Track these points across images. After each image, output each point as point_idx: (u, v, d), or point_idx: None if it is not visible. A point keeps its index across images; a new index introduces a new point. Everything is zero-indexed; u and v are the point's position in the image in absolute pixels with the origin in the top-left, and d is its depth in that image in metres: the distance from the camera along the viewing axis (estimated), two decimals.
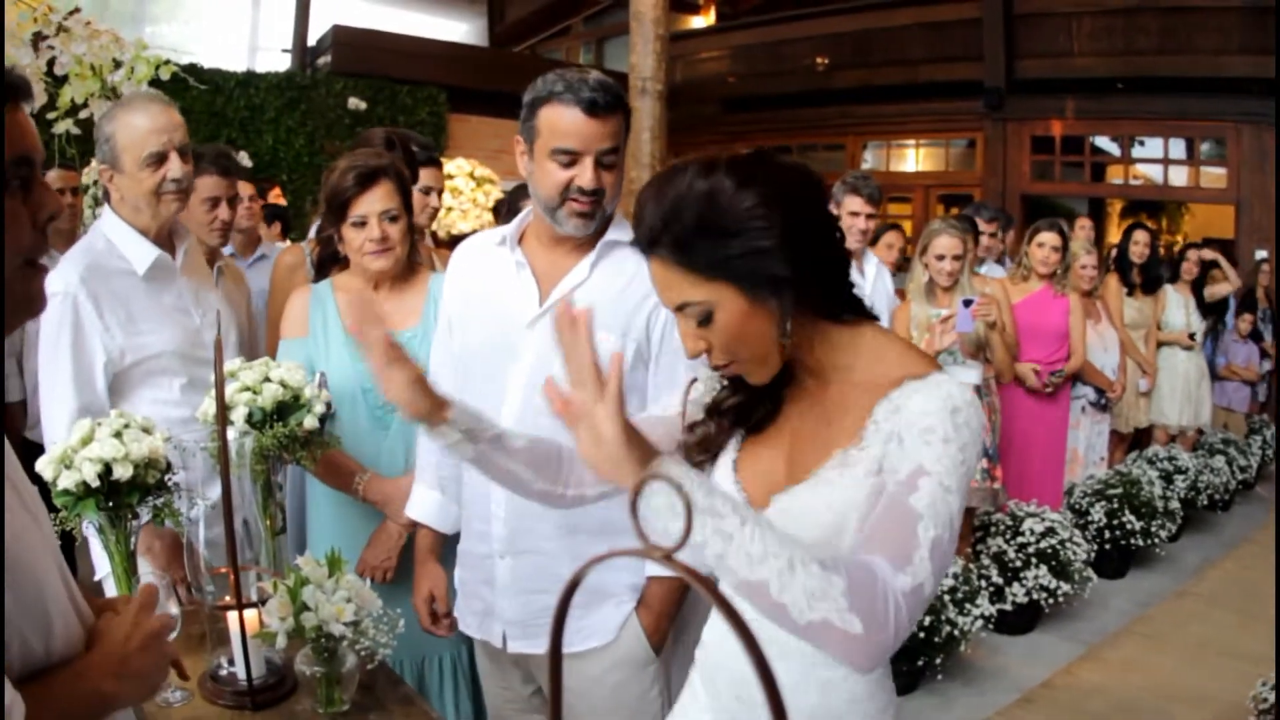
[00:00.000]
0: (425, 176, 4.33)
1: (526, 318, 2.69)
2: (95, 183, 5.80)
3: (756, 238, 1.70)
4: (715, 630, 2.10)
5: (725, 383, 1.98)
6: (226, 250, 4.53)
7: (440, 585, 3.00)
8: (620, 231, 2.70)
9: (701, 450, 2.01)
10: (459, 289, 2.92)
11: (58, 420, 3.09)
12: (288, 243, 7.01)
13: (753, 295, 1.74)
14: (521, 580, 2.75)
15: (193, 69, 5.46)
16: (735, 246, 1.70)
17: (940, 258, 5.70)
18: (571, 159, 2.56)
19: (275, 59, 14.74)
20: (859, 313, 1.89)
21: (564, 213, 2.61)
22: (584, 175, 2.57)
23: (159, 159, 3.22)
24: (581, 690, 2.77)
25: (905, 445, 1.72)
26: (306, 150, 12.67)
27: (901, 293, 6.28)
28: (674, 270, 1.75)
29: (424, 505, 3.03)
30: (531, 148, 2.62)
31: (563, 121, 2.55)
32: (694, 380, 2.09)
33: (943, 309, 5.65)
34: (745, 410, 1.95)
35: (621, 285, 2.66)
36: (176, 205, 3.33)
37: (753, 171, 1.73)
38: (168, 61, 4.43)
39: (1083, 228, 9.81)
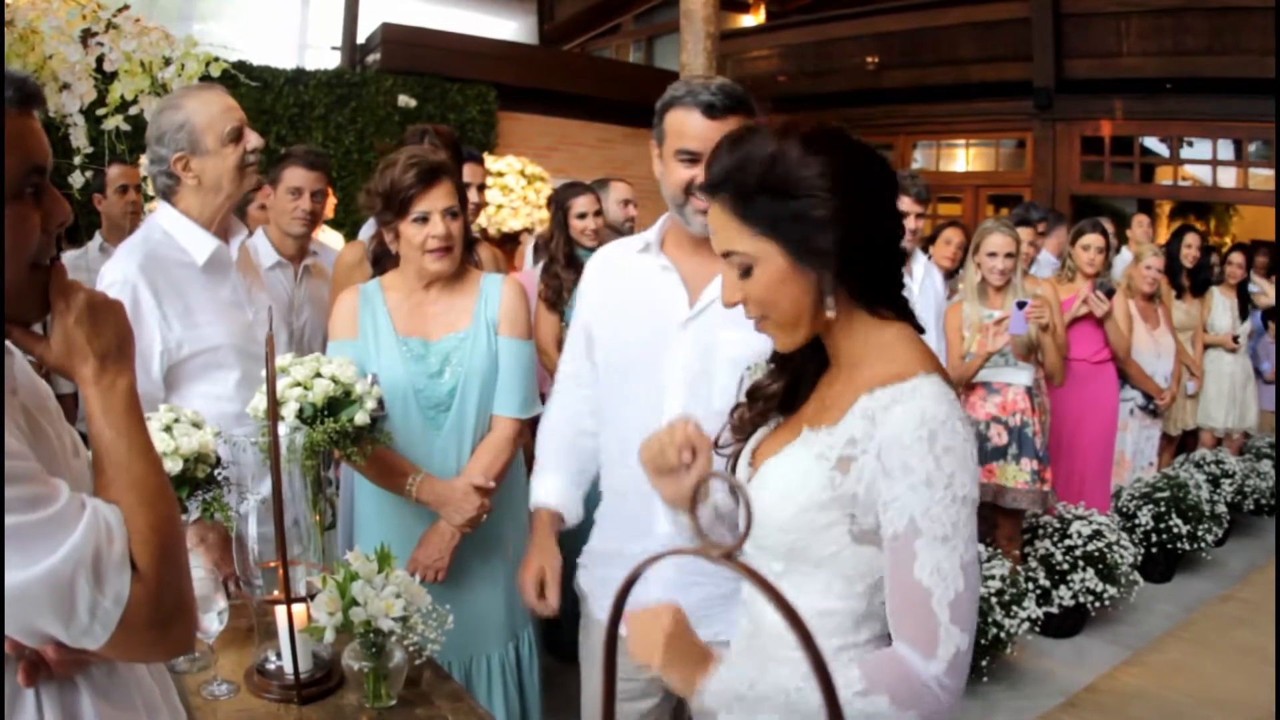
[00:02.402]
0: (465, 173, 4.37)
1: (679, 319, 2.73)
2: (145, 179, 5.86)
3: (811, 206, 1.75)
4: None
5: (771, 369, 2.04)
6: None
7: (555, 565, 2.95)
8: None
9: (737, 433, 2.09)
10: (600, 301, 2.96)
11: None
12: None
13: (795, 260, 1.79)
14: (684, 575, 2.69)
15: (242, 66, 5.48)
16: (789, 209, 1.76)
17: (993, 255, 5.71)
18: (693, 159, 2.65)
19: (324, 56, 14.80)
20: (898, 312, 1.91)
21: (689, 210, 2.71)
22: (701, 174, 2.64)
23: (238, 134, 3.35)
24: None
25: (892, 477, 1.75)
26: (356, 147, 12.72)
27: (954, 291, 6.26)
28: (729, 218, 1.83)
29: (557, 492, 2.98)
30: (661, 150, 2.76)
31: (685, 124, 2.68)
32: (748, 368, 2.14)
33: (995, 310, 5.65)
34: (783, 396, 2.02)
35: None
36: (254, 178, 3.51)
37: (825, 144, 1.78)
38: (217, 59, 4.47)
39: (1140, 224, 9.73)
